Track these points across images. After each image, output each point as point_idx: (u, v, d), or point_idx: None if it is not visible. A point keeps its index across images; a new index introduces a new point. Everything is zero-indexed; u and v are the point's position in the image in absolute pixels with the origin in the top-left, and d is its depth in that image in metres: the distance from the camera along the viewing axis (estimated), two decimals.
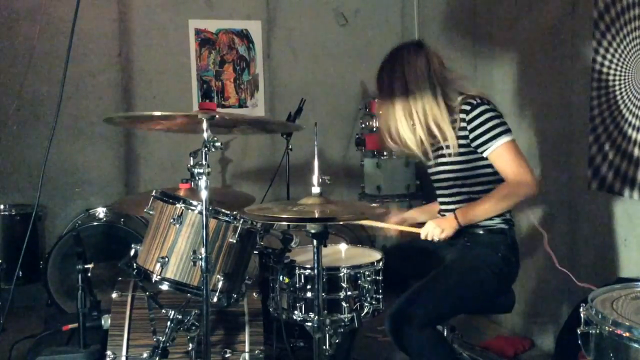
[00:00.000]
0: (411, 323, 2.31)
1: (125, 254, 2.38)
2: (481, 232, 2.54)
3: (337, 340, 2.31)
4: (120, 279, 2.79)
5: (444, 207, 2.68)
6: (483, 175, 2.55)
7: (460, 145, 2.51)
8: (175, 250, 2.26)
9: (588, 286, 2.71)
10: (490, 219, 2.53)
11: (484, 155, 2.47)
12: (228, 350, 2.57)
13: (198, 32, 4.56)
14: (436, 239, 2.50)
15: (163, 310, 2.38)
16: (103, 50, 4.42)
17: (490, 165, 2.52)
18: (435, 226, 2.49)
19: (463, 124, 2.49)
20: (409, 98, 2.52)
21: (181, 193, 2.62)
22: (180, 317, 2.34)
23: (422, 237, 2.52)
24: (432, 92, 2.51)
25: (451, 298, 2.44)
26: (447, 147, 2.53)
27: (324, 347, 2.24)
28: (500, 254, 2.51)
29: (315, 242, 2.12)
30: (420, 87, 2.50)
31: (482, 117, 2.45)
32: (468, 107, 2.48)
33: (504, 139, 2.43)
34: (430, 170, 2.70)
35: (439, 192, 2.70)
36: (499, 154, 2.44)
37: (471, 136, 2.47)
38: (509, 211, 2.58)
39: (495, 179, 2.54)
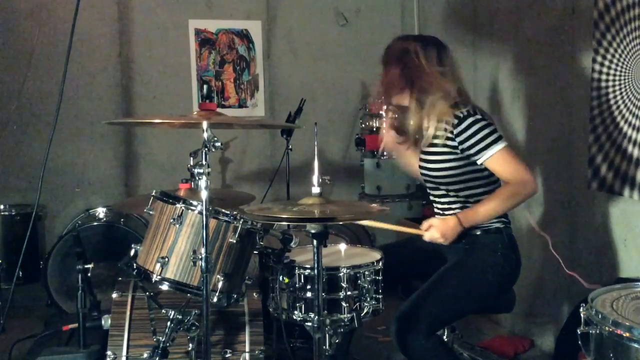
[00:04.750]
0: (417, 331, 2.33)
1: (125, 254, 2.38)
2: (478, 232, 2.55)
3: (337, 340, 2.31)
4: (120, 279, 2.78)
5: (434, 205, 2.70)
6: (471, 180, 2.55)
7: (446, 152, 2.52)
8: (175, 250, 2.26)
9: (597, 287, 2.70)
10: None
11: (479, 162, 2.47)
12: (228, 350, 2.57)
13: (198, 32, 4.56)
14: (441, 242, 2.50)
15: (163, 310, 2.38)
16: (103, 50, 4.42)
17: (478, 170, 2.52)
18: (439, 233, 2.49)
19: (450, 135, 2.50)
20: (418, 87, 2.53)
21: (181, 193, 2.62)
22: (180, 317, 2.34)
23: (427, 239, 2.52)
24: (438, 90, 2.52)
25: (455, 304, 2.46)
26: (435, 145, 2.54)
27: (324, 347, 2.24)
28: (500, 252, 2.52)
29: (315, 242, 2.12)
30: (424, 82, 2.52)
31: (471, 129, 2.46)
32: (455, 121, 2.49)
33: (497, 146, 2.44)
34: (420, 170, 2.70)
35: (427, 190, 2.71)
36: (495, 160, 2.45)
37: (461, 147, 2.48)
38: None
39: (484, 183, 2.55)
